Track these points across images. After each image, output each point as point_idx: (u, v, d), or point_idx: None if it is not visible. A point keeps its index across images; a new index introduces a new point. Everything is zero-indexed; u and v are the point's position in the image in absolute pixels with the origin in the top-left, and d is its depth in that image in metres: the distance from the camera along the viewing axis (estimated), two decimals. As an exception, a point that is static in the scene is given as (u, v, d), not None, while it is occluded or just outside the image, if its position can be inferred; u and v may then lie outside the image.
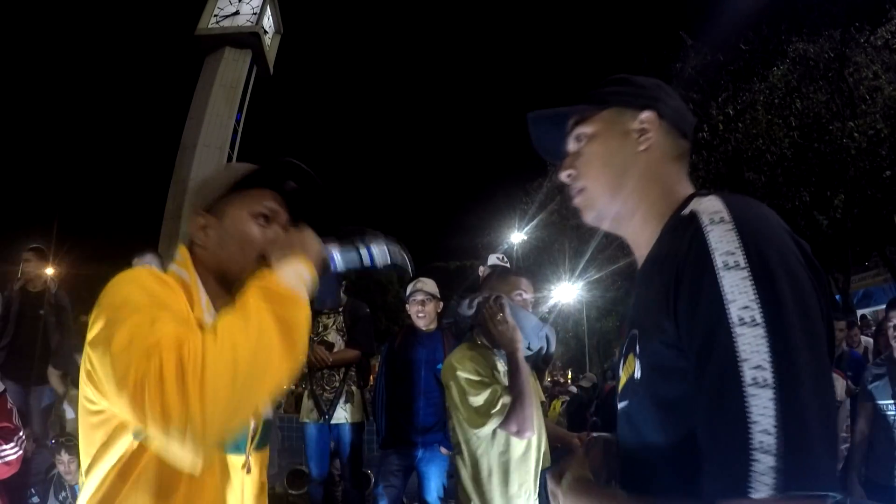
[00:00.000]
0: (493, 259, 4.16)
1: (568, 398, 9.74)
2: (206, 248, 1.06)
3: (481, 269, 4.15)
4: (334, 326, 3.80)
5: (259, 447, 1.12)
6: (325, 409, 3.67)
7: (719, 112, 10.58)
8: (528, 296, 2.01)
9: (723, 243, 0.64)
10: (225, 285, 1.05)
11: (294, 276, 0.92)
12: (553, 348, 2.06)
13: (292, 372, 0.87)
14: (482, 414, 1.79)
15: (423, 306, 3.41)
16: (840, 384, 3.47)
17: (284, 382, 0.87)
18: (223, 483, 0.99)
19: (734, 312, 0.60)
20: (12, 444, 2.06)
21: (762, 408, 0.57)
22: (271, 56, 20.60)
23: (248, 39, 19.19)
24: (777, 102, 10.26)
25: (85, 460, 0.95)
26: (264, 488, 1.15)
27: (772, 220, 0.69)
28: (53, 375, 4.31)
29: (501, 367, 1.92)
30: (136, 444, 0.88)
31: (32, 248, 4.45)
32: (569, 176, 0.94)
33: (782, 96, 10.25)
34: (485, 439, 1.85)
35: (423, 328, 3.45)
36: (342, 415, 3.68)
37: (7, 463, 2.04)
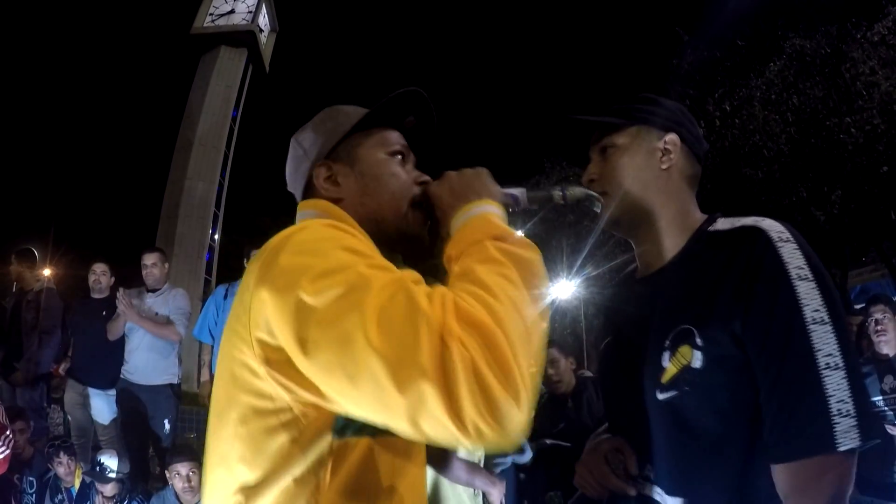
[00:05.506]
0: None
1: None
2: (343, 199, 0.89)
3: None
4: None
5: None
6: None
7: (716, 108, 10.56)
8: None
9: (793, 259, 0.81)
10: (378, 239, 0.84)
11: (502, 219, 0.79)
12: None
13: None
14: None
15: None
16: None
17: None
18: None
19: (808, 314, 0.78)
20: None
21: (836, 384, 0.75)
22: (267, 54, 20.56)
23: (244, 38, 19.16)
24: (774, 98, 10.25)
25: (247, 475, 0.72)
26: None
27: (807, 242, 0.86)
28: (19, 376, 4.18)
29: None
30: (336, 443, 0.71)
31: (18, 250, 4.42)
32: (592, 181, 1.02)
33: (779, 92, 10.24)
34: None
35: None
36: None
37: None
